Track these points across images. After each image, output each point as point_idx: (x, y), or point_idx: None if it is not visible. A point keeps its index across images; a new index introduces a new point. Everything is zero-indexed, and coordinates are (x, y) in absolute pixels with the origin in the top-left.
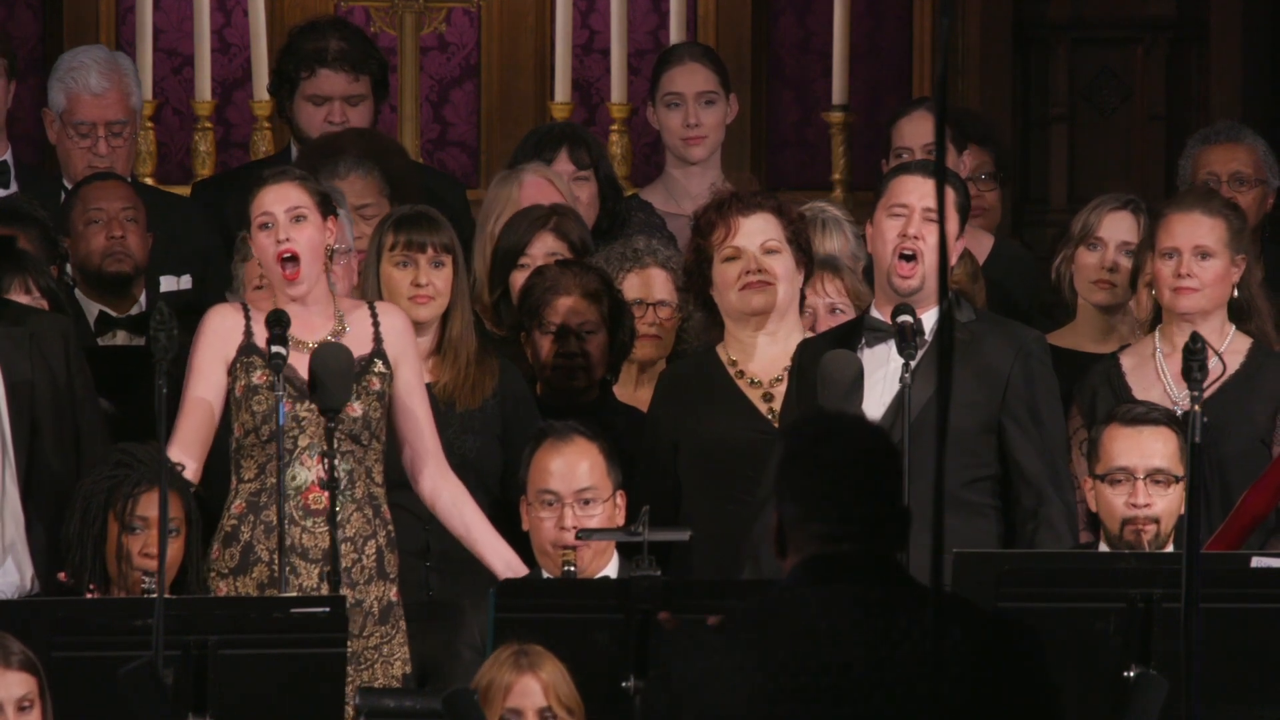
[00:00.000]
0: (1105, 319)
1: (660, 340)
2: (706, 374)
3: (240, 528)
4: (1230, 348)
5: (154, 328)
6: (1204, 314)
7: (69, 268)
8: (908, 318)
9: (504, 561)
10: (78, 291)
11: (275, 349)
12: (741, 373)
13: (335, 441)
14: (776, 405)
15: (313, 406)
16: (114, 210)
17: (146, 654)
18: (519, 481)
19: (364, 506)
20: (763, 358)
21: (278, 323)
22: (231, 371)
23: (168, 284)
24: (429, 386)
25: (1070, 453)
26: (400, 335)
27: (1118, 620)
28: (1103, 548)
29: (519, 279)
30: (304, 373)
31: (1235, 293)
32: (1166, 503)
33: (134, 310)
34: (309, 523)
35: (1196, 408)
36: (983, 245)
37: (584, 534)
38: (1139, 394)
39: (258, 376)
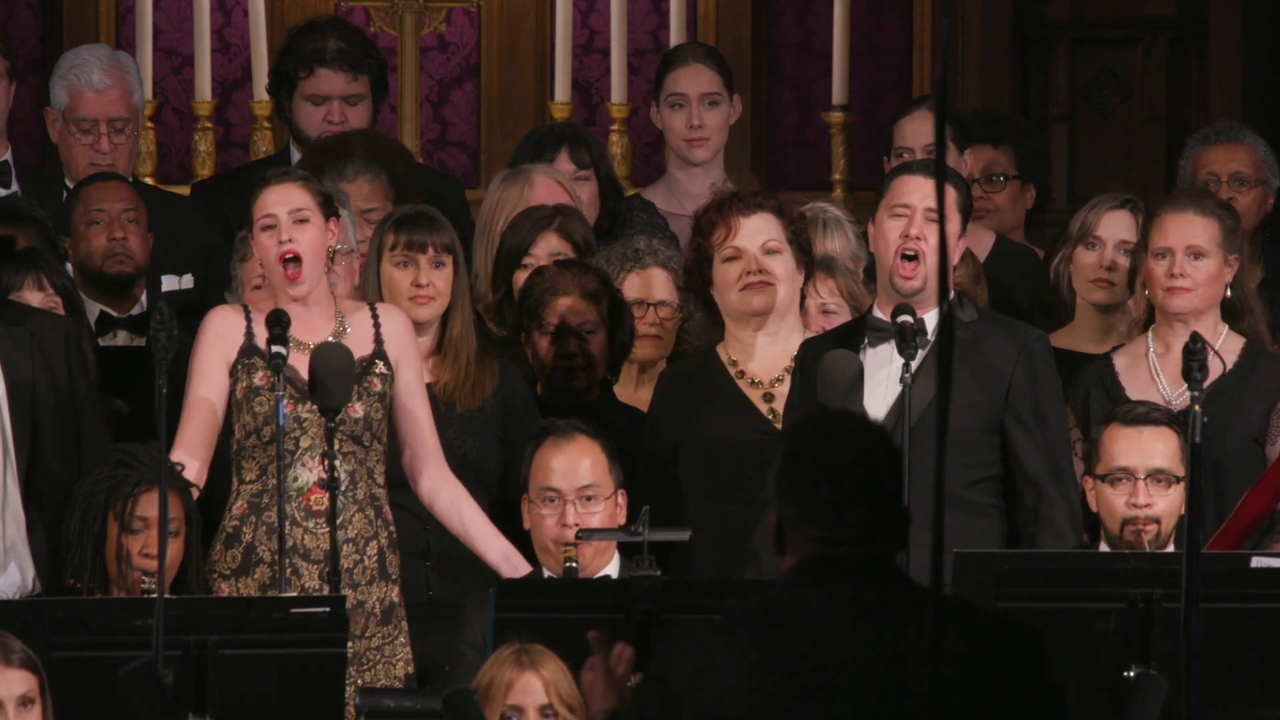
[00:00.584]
0: (1104, 319)
1: (661, 340)
2: (707, 374)
3: (242, 529)
4: (1224, 347)
5: (154, 328)
6: (1197, 314)
7: (69, 268)
8: (908, 318)
9: (501, 554)
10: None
11: (275, 349)
12: (742, 373)
13: (336, 443)
14: (777, 405)
15: (314, 407)
16: (115, 211)
17: (146, 654)
18: (520, 480)
19: (366, 507)
20: (763, 358)
21: (278, 323)
22: (233, 373)
23: (169, 284)
24: (429, 386)
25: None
26: (401, 336)
27: (1118, 620)
28: (1103, 548)
29: (522, 279)
30: (305, 374)
31: (1228, 293)
32: (1167, 503)
33: (135, 310)
34: (310, 524)
35: (1197, 408)
36: (984, 243)
37: (584, 534)
38: (1132, 394)
39: (259, 378)
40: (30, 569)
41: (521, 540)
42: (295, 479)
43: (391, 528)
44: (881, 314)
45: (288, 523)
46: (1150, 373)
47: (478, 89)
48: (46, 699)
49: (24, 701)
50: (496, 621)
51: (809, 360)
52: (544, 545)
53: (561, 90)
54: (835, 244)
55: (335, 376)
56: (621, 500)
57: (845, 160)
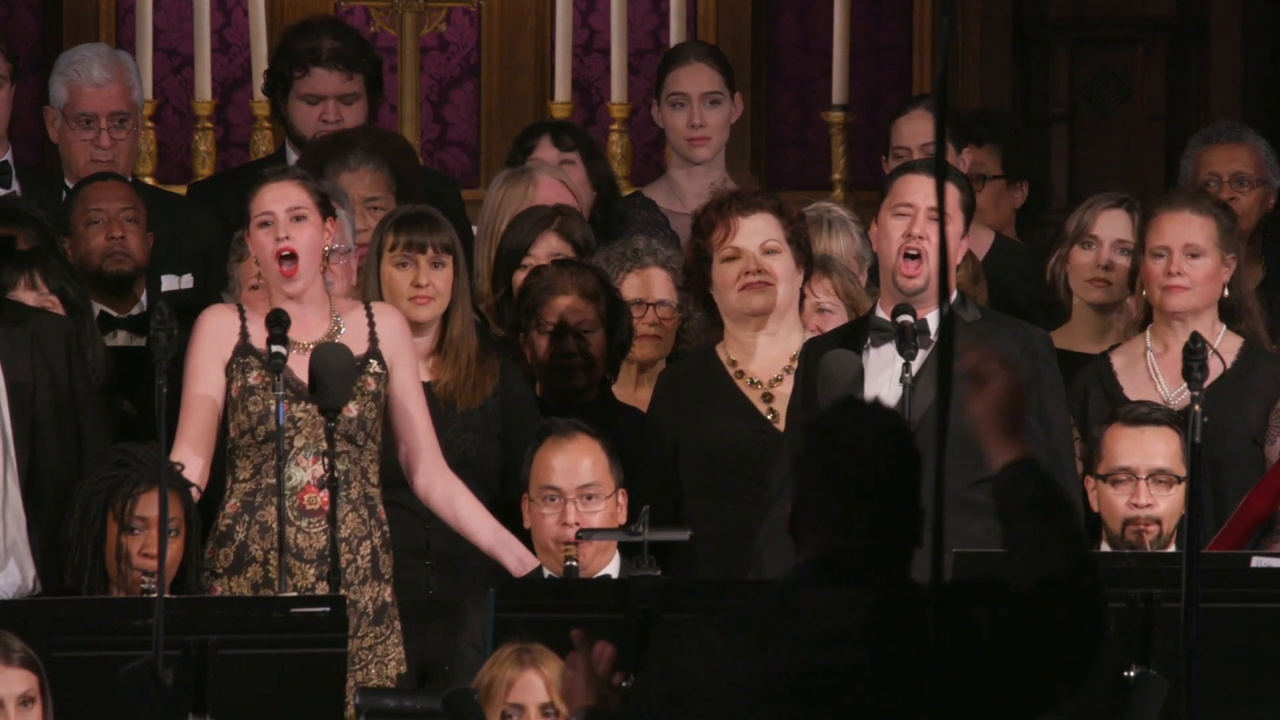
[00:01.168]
0: (1101, 318)
1: (660, 340)
2: (706, 374)
3: (235, 528)
4: (1222, 347)
5: (154, 328)
6: (1194, 313)
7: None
8: (908, 318)
9: (495, 540)
10: None
11: (275, 349)
12: (741, 373)
13: (328, 441)
14: (776, 405)
15: (309, 407)
16: (114, 210)
17: (146, 654)
18: (521, 479)
19: (359, 507)
20: (763, 358)
21: (278, 322)
22: (227, 372)
23: (169, 283)
24: (429, 386)
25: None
26: (396, 336)
27: (1118, 620)
28: (1104, 548)
29: (522, 279)
30: (300, 373)
31: (1226, 292)
32: (1169, 503)
33: (135, 310)
34: (304, 523)
35: (1197, 408)
36: (982, 242)
37: (584, 534)
38: (1131, 394)
39: (253, 377)
40: (30, 569)
41: (522, 540)
42: (289, 478)
43: (385, 527)
44: (884, 314)
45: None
46: (1149, 372)
47: (478, 89)
48: (46, 698)
49: (24, 701)
50: (496, 621)
51: (812, 361)
52: (544, 544)
53: (561, 90)
54: (839, 244)
55: (335, 376)
56: (622, 500)
57: (845, 160)
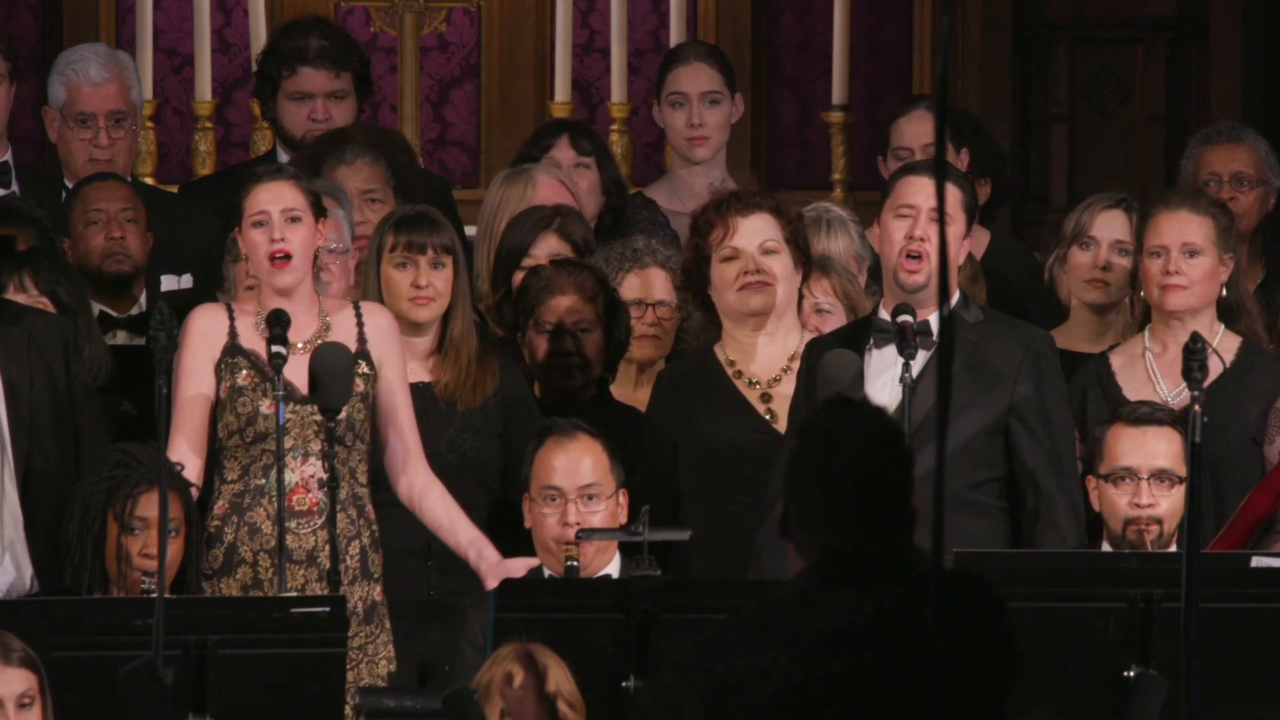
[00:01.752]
0: (1099, 319)
1: (660, 340)
2: (705, 374)
3: (224, 529)
4: (1220, 346)
5: (154, 328)
6: (1193, 312)
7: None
8: (908, 318)
9: (467, 537)
10: None
11: (275, 349)
12: (740, 373)
13: (324, 443)
14: (775, 406)
15: (297, 408)
16: (113, 210)
17: (146, 654)
18: (522, 478)
19: (348, 507)
20: (761, 358)
21: (278, 322)
22: (216, 372)
23: (169, 283)
24: (430, 386)
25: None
26: (384, 336)
27: (1118, 620)
28: (1105, 548)
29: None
30: (289, 373)
31: (1224, 292)
32: (1170, 503)
33: (134, 310)
34: (294, 524)
35: (1197, 408)
36: (980, 241)
37: (584, 534)
38: (1130, 394)
39: (242, 378)
40: (28, 567)
41: (523, 539)
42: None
43: (374, 527)
44: (886, 315)
45: (271, 523)
46: (1148, 372)
47: (478, 89)
48: (46, 698)
49: (23, 700)
50: (496, 621)
51: (814, 361)
52: (545, 544)
53: (561, 90)
54: (839, 244)
55: (336, 376)
56: (623, 500)
57: (845, 160)
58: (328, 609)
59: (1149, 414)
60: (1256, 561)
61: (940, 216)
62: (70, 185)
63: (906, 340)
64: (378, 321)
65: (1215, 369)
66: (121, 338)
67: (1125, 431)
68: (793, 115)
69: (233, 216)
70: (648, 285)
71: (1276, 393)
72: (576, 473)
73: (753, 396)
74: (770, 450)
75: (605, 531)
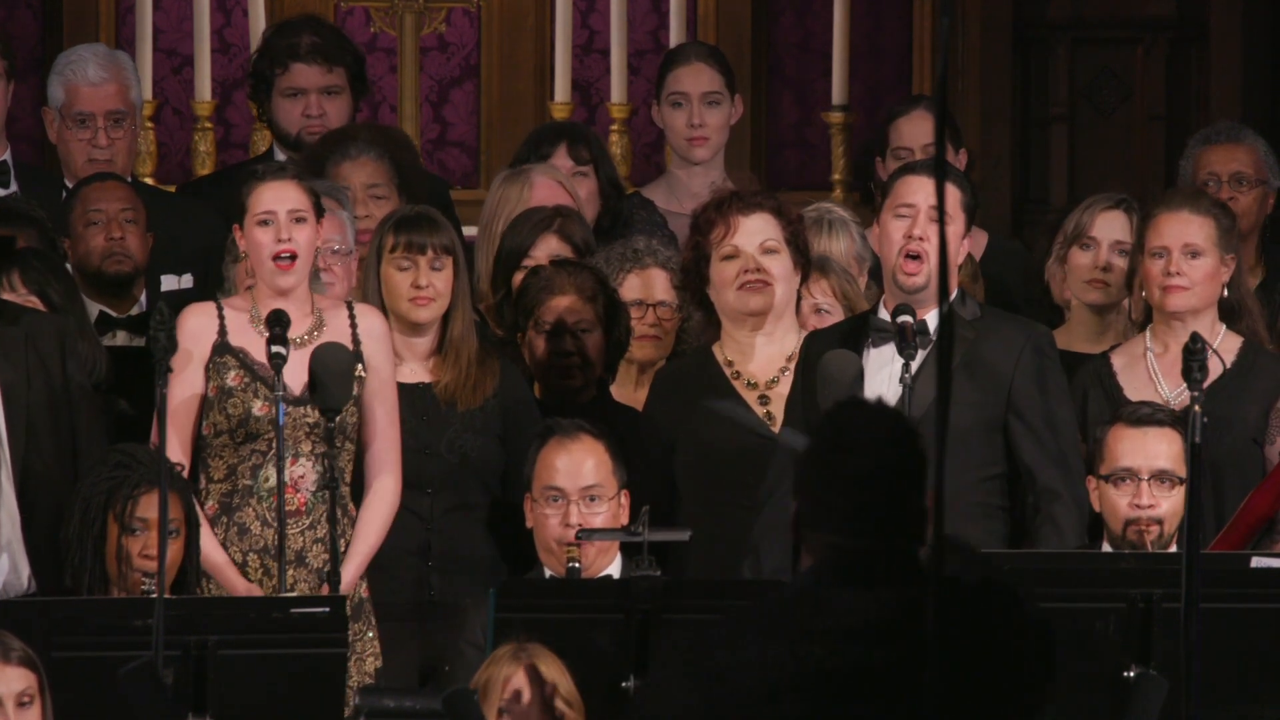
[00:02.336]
0: (1099, 319)
1: (660, 341)
2: (703, 374)
3: (213, 529)
4: (1221, 347)
5: (154, 328)
6: (1194, 312)
7: (68, 268)
8: (907, 318)
9: (355, 546)
10: None
11: (275, 349)
12: (738, 373)
13: (310, 444)
14: (773, 406)
15: (289, 409)
16: (113, 211)
17: (146, 654)
18: (524, 479)
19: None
20: (760, 358)
21: (278, 323)
22: (205, 372)
23: (168, 284)
24: (430, 386)
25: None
26: (376, 338)
27: (1118, 620)
28: (1105, 548)
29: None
30: (284, 373)
31: (1225, 292)
32: (1171, 504)
33: (134, 310)
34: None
35: (1197, 408)
36: (979, 241)
37: (584, 534)
38: (1131, 394)
39: (231, 379)
40: (25, 566)
41: (524, 539)
42: (266, 480)
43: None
44: (886, 314)
45: (259, 523)
46: (1148, 372)
47: (478, 89)
48: (46, 698)
49: (23, 699)
50: (496, 621)
51: (814, 354)
52: (547, 545)
53: (561, 90)
54: (839, 245)
55: (335, 377)
56: (625, 501)
57: (845, 160)
58: (328, 609)
59: (1149, 415)
60: (1256, 562)
61: (940, 216)
62: (70, 185)
63: (907, 341)
64: (370, 324)
65: (1216, 369)
66: (121, 338)
67: (1126, 432)
68: (793, 115)
69: (233, 213)
70: (648, 285)
71: (1277, 393)
72: (579, 474)
73: (751, 397)
74: (768, 451)
75: (605, 532)
